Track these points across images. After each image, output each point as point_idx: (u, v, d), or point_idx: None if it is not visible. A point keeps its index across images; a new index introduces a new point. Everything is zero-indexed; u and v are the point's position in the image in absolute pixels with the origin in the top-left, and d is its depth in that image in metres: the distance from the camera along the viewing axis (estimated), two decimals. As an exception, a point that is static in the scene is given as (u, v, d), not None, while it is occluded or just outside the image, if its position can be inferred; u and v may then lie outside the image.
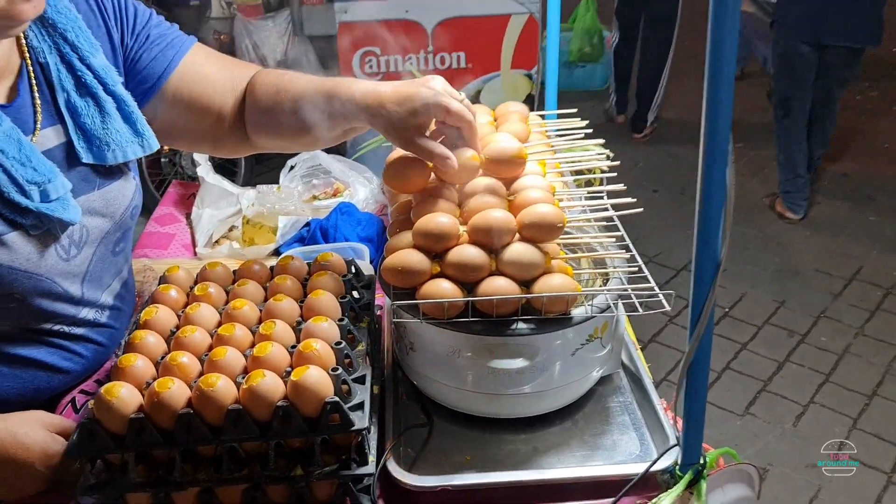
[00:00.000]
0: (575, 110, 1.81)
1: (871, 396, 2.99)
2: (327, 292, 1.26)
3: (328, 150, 2.12)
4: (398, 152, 1.32)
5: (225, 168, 3.87)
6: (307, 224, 1.81)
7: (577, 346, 1.26)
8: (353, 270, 1.42)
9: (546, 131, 1.77)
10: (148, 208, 2.07)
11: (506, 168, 1.30)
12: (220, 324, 1.25)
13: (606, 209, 1.40)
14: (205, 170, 1.99)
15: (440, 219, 1.21)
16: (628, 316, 1.40)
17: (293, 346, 1.17)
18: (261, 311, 1.26)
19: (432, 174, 1.30)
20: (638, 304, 1.23)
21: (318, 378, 1.07)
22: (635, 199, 1.37)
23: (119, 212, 1.30)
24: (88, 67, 1.23)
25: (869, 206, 4.38)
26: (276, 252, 1.79)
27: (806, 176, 4.38)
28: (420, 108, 1.20)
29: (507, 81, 4.11)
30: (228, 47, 4.12)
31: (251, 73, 1.40)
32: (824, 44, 3.92)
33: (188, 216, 1.97)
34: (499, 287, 1.18)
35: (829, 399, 2.98)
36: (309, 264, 1.40)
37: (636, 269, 1.29)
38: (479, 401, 1.27)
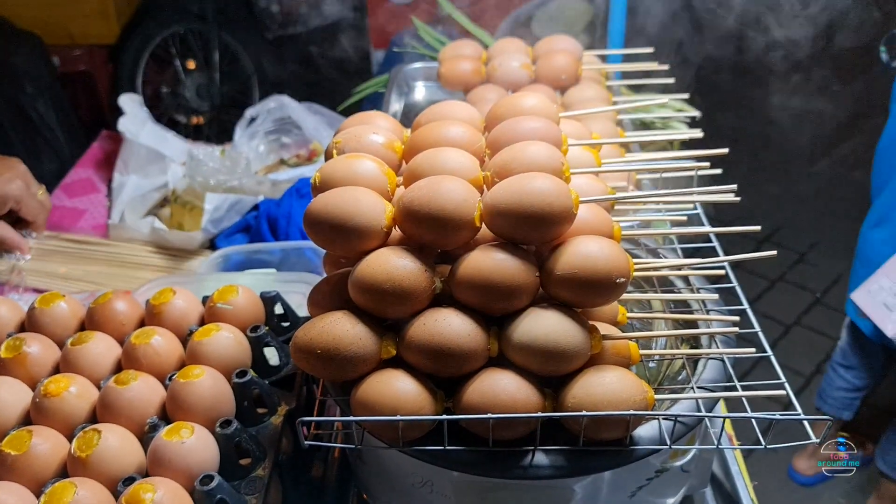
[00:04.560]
0: (650, 49, 1.22)
1: None
2: (208, 372, 0.73)
3: (301, 98, 1.56)
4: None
5: (235, 99, 3.15)
6: (255, 207, 1.26)
7: (640, 483, 0.72)
8: (277, 313, 0.88)
9: (606, 81, 1.21)
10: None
11: None
12: (26, 418, 0.74)
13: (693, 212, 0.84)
14: (134, 118, 1.45)
15: (399, 261, 0.65)
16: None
17: (127, 481, 0.65)
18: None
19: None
20: (760, 432, 0.66)
21: None
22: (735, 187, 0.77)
23: None
24: None
25: None
26: (212, 245, 1.26)
27: None
28: None
29: (566, 5, 3.41)
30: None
31: None
32: None
33: (111, 184, 1.44)
34: (502, 390, 0.63)
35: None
36: (205, 301, 0.87)
37: (750, 344, 0.73)
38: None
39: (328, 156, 0.77)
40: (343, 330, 0.65)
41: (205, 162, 1.27)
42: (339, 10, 3.24)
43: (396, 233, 0.70)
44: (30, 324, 0.83)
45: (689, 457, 0.75)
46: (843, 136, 3.58)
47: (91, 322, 0.83)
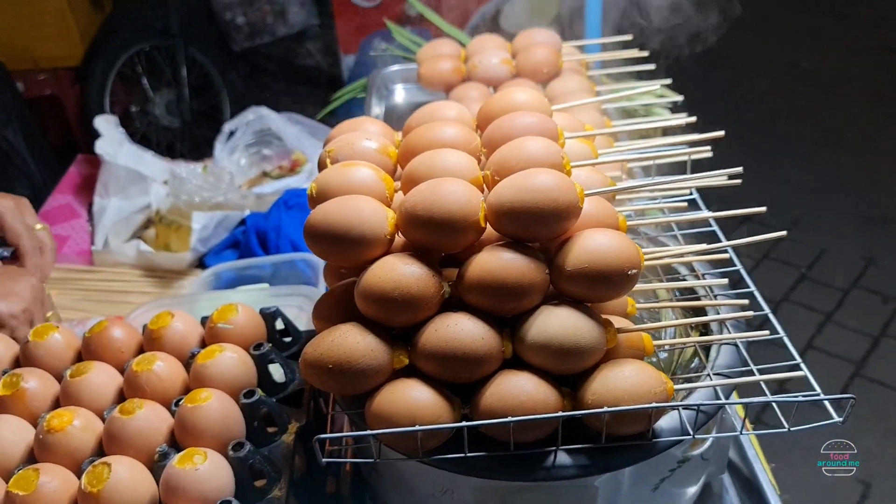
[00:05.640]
0: (629, 37, 1.22)
1: None
2: (215, 395, 0.71)
3: (280, 108, 1.54)
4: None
5: (206, 114, 3.10)
6: (243, 222, 1.24)
7: (663, 475, 0.71)
8: (278, 329, 0.86)
9: (588, 71, 1.20)
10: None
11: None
12: (30, 456, 0.72)
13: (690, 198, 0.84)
14: (111, 140, 1.43)
15: (405, 268, 0.64)
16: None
17: (141, 516, 0.64)
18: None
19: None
20: (780, 412, 0.66)
21: None
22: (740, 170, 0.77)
23: None
24: None
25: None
26: (201, 264, 1.24)
27: None
28: None
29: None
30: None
31: None
32: None
33: (91, 209, 1.42)
34: (521, 392, 0.62)
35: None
36: (204, 321, 0.85)
37: (763, 325, 0.73)
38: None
39: (322, 166, 0.75)
40: (353, 342, 0.63)
41: (188, 180, 1.24)
42: (305, 18, 3.21)
43: (399, 239, 0.68)
44: (24, 358, 0.81)
45: (707, 444, 0.75)
46: (821, 111, 3.62)
47: (88, 352, 0.80)
